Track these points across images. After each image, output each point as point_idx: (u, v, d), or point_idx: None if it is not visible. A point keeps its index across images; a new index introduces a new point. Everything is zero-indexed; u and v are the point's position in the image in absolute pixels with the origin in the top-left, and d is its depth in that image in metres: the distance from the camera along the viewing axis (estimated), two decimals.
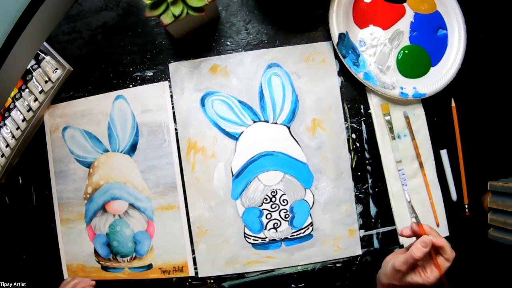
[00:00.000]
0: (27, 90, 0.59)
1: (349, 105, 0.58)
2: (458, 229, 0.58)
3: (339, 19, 0.55)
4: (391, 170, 0.58)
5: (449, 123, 0.58)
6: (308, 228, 0.57)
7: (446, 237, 0.57)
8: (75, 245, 0.61)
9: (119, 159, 0.59)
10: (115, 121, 0.59)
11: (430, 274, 0.45)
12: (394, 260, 0.46)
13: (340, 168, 0.57)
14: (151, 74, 0.59)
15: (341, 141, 0.58)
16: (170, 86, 0.58)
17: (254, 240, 0.57)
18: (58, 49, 0.59)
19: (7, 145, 0.59)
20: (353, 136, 0.58)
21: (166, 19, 0.48)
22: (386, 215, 0.58)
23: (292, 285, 0.58)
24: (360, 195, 0.58)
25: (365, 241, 0.58)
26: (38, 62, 0.59)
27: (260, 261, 0.57)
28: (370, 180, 0.58)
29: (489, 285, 0.57)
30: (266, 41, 0.58)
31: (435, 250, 0.45)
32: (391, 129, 0.57)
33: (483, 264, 0.57)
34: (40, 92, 0.58)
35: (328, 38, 0.57)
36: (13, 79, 0.48)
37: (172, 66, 0.58)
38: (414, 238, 0.47)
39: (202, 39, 0.58)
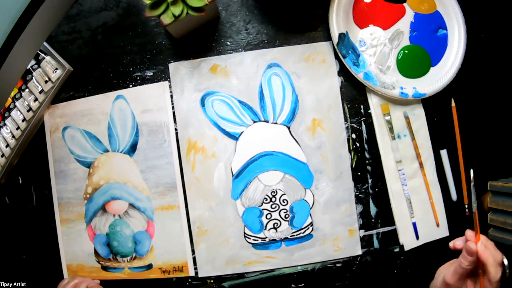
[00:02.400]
0: (27, 90, 0.59)
1: (349, 105, 0.58)
2: (458, 229, 0.58)
3: (339, 19, 0.55)
4: (391, 170, 0.58)
5: (449, 123, 0.58)
6: (308, 228, 0.57)
7: (446, 237, 0.58)
8: (75, 245, 0.61)
9: (119, 159, 0.59)
10: (115, 121, 0.59)
11: None
12: (445, 273, 0.42)
13: (340, 168, 0.57)
14: (151, 74, 0.59)
15: (341, 141, 0.57)
16: (170, 86, 0.58)
17: (254, 240, 0.57)
18: (58, 49, 0.59)
19: (7, 145, 0.59)
20: (353, 136, 0.58)
21: (166, 19, 0.48)
22: (386, 215, 0.58)
23: (292, 285, 0.58)
24: (360, 195, 0.58)
25: (365, 241, 0.58)
26: (38, 62, 0.59)
27: (260, 261, 0.57)
28: (370, 180, 0.58)
29: None
30: (266, 41, 0.58)
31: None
32: (391, 129, 0.57)
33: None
34: (40, 92, 0.58)
35: (328, 38, 0.57)
36: (13, 79, 0.48)
37: (172, 66, 0.58)
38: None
39: (202, 39, 0.58)
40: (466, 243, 0.40)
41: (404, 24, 0.57)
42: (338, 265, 0.58)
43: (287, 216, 0.57)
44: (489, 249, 0.40)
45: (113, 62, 0.59)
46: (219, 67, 0.58)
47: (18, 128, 0.59)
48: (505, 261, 0.40)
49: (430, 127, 0.58)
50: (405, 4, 0.57)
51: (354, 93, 0.58)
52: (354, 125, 0.58)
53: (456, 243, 0.42)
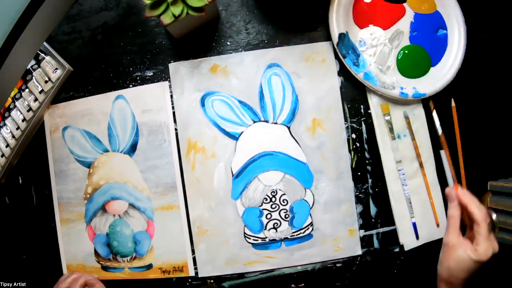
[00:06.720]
0: (27, 90, 0.59)
1: (349, 105, 0.58)
2: None
3: (339, 19, 0.55)
4: (391, 170, 0.58)
5: (449, 123, 0.58)
6: (308, 228, 0.57)
7: None
8: (75, 245, 0.61)
9: (119, 159, 0.59)
10: (115, 121, 0.59)
11: (477, 246, 0.43)
12: (443, 238, 0.46)
13: (340, 168, 0.57)
14: (151, 74, 0.59)
15: (341, 141, 0.57)
16: (170, 86, 0.58)
17: (254, 240, 0.57)
18: (58, 49, 0.59)
19: (7, 145, 0.59)
20: (353, 136, 0.58)
21: (166, 19, 0.48)
22: (386, 215, 0.58)
23: (292, 285, 0.58)
24: (360, 195, 0.58)
25: (365, 241, 0.58)
26: (38, 62, 0.59)
27: (260, 261, 0.57)
28: (370, 180, 0.58)
29: (489, 285, 0.56)
30: (266, 41, 0.58)
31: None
32: (391, 129, 0.57)
33: (482, 264, 0.57)
34: (40, 92, 0.58)
35: (328, 38, 0.57)
36: (13, 79, 0.48)
37: (172, 66, 0.58)
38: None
39: (202, 39, 0.58)
40: (446, 189, 0.46)
41: (404, 24, 0.57)
42: (338, 265, 0.58)
43: (287, 216, 0.57)
44: (468, 194, 0.45)
45: (113, 62, 0.59)
46: (219, 67, 0.58)
47: (18, 128, 0.59)
48: (494, 215, 0.45)
49: (430, 127, 0.58)
50: (405, 4, 0.57)
51: (354, 93, 0.58)
52: (354, 125, 0.58)
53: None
